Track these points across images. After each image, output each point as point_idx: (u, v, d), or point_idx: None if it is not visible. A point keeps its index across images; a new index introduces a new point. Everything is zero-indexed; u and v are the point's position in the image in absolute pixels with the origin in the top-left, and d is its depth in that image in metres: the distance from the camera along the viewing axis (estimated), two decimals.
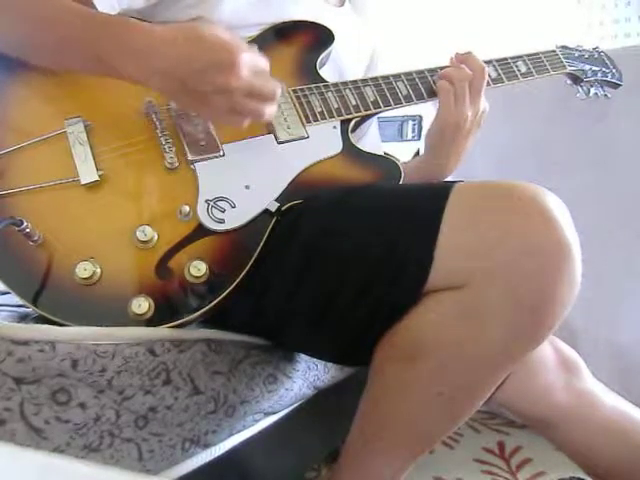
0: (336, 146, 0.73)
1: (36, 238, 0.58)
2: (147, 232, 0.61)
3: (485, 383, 0.62)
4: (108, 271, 0.59)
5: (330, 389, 0.87)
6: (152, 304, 0.58)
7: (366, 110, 0.76)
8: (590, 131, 1.20)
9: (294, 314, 0.65)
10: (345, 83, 0.77)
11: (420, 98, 0.80)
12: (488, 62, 0.84)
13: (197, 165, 0.66)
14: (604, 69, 1.00)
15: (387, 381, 0.63)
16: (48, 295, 0.57)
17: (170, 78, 0.58)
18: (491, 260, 0.55)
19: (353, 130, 0.76)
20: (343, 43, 0.83)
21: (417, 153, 1.33)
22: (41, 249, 0.58)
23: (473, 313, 0.56)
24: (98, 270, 0.58)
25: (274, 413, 0.77)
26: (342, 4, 0.93)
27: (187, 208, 0.63)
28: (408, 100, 0.79)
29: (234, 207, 0.65)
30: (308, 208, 0.66)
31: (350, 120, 0.75)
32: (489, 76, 0.83)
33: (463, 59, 0.79)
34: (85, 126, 0.64)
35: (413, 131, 1.52)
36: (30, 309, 0.57)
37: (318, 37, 0.81)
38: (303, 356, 0.78)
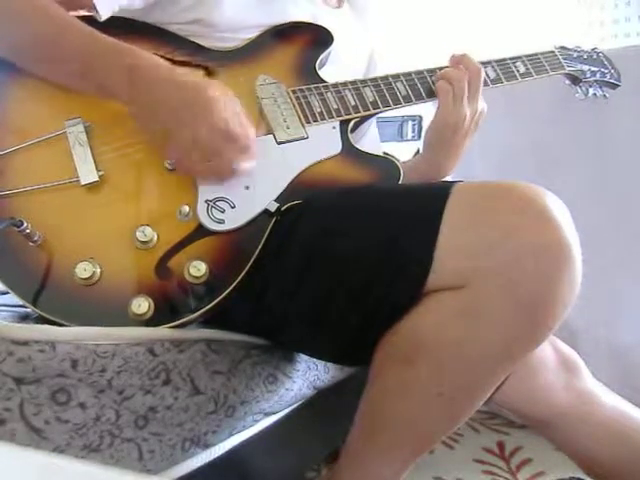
0: (335, 146, 0.73)
1: (36, 238, 0.58)
2: (147, 232, 0.61)
3: (485, 383, 0.62)
4: (108, 271, 0.59)
5: (330, 389, 0.87)
6: (152, 304, 0.58)
7: (365, 111, 0.76)
8: (590, 131, 1.21)
9: (294, 314, 0.65)
10: (344, 84, 0.77)
11: (419, 98, 0.80)
12: (487, 63, 0.85)
13: None
14: (603, 69, 1.00)
15: (387, 381, 0.63)
16: (48, 295, 0.57)
17: (152, 112, 0.62)
18: (491, 260, 0.55)
19: (352, 130, 0.76)
20: (341, 44, 0.83)
21: (417, 153, 1.33)
22: (41, 249, 0.58)
23: (473, 313, 0.57)
24: (98, 270, 0.58)
25: (274, 413, 0.77)
26: (340, 5, 0.93)
27: (187, 208, 0.63)
28: (407, 100, 0.79)
29: (234, 207, 0.65)
30: (308, 208, 0.66)
31: (349, 120, 0.75)
32: (488, 77, 0.83)
33: (459, 60, 0.80)
34: (85, 127, 0.64)
35: (413, 131, 1.52)
36: (30, 309, 0.58)
37: (317, 38, 0.81)
38: (303, 356, 0.78)
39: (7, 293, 0.59)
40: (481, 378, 0.61)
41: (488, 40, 1.76)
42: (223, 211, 0.64)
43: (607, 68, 1.01)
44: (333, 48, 0.81)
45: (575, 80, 0.97)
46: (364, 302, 0.61)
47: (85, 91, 0.65)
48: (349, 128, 0.75)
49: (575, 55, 0.97)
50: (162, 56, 0.66)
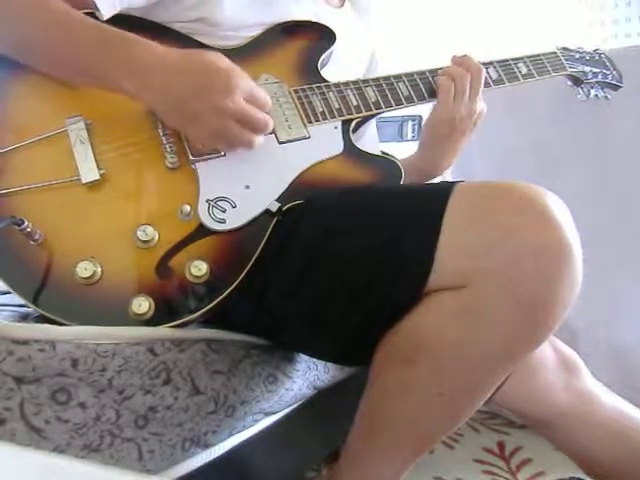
0: (337, 146, 0.73)
1: (37, 237, 0.58)
2: (148, 232, 0.61)
3: (485, 383, 0.62)
4: (109, 271, 0.59)
5: (330, 389, 0.87)
6: (152, 304, 0.58)
7: (367, 110, 0.76)
8: (590, 131, 1.20)
9: (294, 314, 0.65)
10: (346, 83, 0.77)
11: (421, 99, 0.80)
12: (489, 63, 0.85)
13: (198, 165, 0.66)
14: (604, 71, 1.00)
15: (387, 381, 0.63)
16: (48, 294, 0.57)
17: (166, 94, 0.60)
18: (492, 260, 0.55)
19: (354, 130, 0.76)
20: (343, 44, 0.83)
21: None
22: (42, 248, 0.58)
23: (473, 313, 0.57)
24: (99, 269, 0.58)
25: (274, 413, 0.77)
26: (342, 5, 0.93)
27: (188, 208, 0.63)
28: (409, 101, 0.79)
29: (235, 207, 0.65)
30: (309, 208, 0.66)
31: (351, 120, 0.75)
32: (490, 77, 0.83)
33: (460, 61, 0.80)
34: (86, 125, 0.64)
35: (413, 131, 1.52)
36: (31, 309, 0.57)
37: (320, 37, 0.81)
38: (303, 356, 0.78)
39: (8, 293, 0.59)
40: (481, 378, 0.61)
41: (490, 40, 1.76)
42: (224, 210, 0.64)
43: (609, 69, 1.01)
44: (335, 47, 0.81)
45: (577, 81, 0.97)
46: (365, 302, 0.61)
47: (92, 84, 0.64)
48: (351, 128, 0.75)
49: (577, 56, 0.97)
50: None
